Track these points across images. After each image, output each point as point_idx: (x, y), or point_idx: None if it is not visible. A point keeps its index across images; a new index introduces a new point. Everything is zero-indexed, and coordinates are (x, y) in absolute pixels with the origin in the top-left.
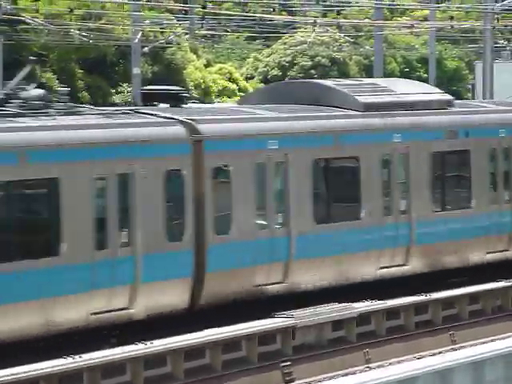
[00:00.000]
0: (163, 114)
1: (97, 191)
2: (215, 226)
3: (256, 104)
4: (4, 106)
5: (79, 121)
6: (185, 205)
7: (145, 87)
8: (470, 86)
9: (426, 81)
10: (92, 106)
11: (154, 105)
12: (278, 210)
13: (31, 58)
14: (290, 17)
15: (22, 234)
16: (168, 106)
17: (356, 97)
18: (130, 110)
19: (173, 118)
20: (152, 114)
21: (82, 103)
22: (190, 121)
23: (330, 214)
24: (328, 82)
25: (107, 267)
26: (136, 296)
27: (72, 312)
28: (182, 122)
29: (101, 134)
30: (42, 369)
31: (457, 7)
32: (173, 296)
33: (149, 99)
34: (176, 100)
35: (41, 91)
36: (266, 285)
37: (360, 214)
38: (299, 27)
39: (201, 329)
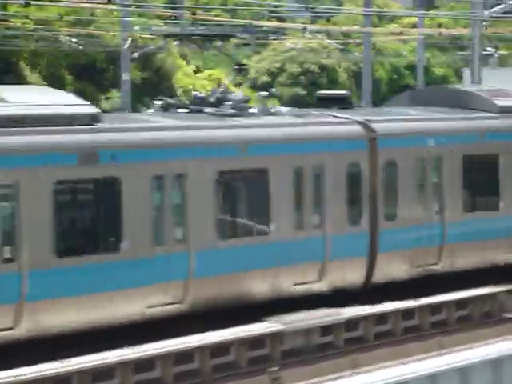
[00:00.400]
0: (341, 115)
1: (296, 180)
2: (385, 212)
3: (402, 107)
4: (219, 107)
5: (280, 120)
6: (362, 193)
7: (320, 92)
8: None
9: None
10: (285, 108)
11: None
12: (434, 199)
13: None
14: (279, 23)
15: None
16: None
17: (494, 101)
18: (315, 111)
19: (350, 119)
20: (332, 115)
21: None
22: (365, 121)
23: (473, 204)
24: (469, 88)
25: (303, 245)
26: (324, 272)
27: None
28: (358, 122)
29: (298, 131)
30: (33, 372)
31: (445, 14)
32: (352, 273)
33: (322, 102)
34: (344, 103)
35: (243, 95)
36: (426, 265)
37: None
38: (288, 34)
39: (192, 332)
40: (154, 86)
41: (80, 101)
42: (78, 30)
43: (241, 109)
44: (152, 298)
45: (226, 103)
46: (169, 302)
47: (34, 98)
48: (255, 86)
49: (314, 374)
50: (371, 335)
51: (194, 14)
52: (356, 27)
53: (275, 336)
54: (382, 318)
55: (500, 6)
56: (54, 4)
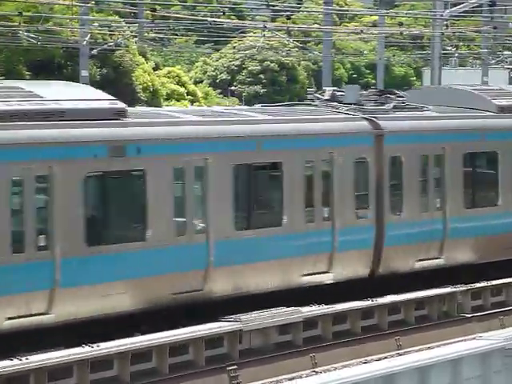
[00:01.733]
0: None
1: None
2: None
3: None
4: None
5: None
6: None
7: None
8: None
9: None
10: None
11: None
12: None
13: None
14: (239, 21)
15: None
16: None
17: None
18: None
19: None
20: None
21: None
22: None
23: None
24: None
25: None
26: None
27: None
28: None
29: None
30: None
31: (406, 13)
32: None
33: None
34: None
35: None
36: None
37: None
38: (248, 31)
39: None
40: (112, 83)
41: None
42: (36, 26)
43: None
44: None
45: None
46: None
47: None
48: (214, 84)
49: (273, 372)
50: (330, 334)
51: (153, 11)
52: (316, 26)
53: (234, 335)
54: (340, 317)
55: (460, 6)
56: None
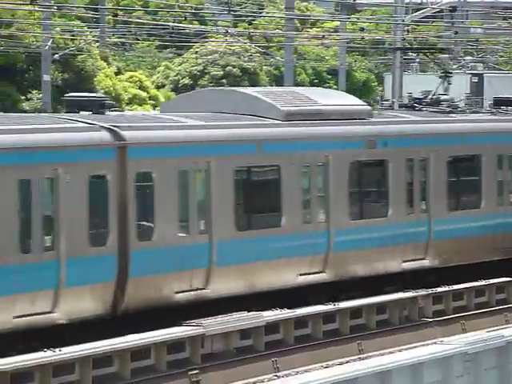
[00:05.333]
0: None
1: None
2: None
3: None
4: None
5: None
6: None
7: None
8: (378, 98)
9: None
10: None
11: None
12: None
13: None
14: (201, 26)
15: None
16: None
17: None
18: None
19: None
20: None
21: None
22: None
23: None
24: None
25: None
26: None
27: None
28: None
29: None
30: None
31: (367, 19)
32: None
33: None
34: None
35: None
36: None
37: None
38: (210, 36)
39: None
40: (74, 88)
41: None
42: None
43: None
44: None
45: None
46: None
47: None
48: (177, 89)
49: (235, 377)
50: (292, 339)
51: (115, 16)
52: (278, 31)
53: (195, 339)
54: (302, 321)
55: (421, 11)
56: None
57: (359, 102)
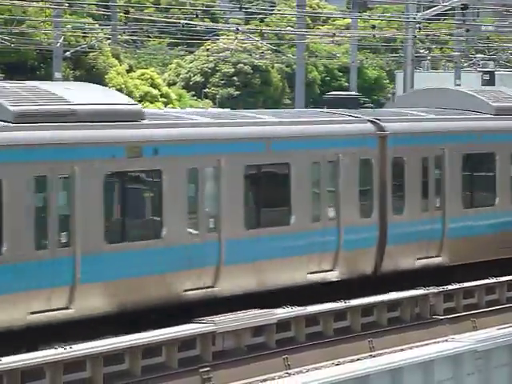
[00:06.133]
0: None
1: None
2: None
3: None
4: None
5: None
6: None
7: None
8: (390, 95)
9: (347, 89)
10: None
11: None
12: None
13: None
14: (212, 23)
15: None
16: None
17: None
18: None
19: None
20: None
21: None
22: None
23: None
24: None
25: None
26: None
27: None
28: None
29: None
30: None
31: (379, 16)
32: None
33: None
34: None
35: None
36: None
37: None
38: (222, 34)
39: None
40: None
41: None
42: (10, 28)
43: None
44: None
45: None
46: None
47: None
48: (188, 86)
49: (246, 374)
50: (303, 336)
51: (126, 13)
52: (289, 28)
53: (207, 337)
54: (313, 319)
55: (433, 9)
56: None
57: None
